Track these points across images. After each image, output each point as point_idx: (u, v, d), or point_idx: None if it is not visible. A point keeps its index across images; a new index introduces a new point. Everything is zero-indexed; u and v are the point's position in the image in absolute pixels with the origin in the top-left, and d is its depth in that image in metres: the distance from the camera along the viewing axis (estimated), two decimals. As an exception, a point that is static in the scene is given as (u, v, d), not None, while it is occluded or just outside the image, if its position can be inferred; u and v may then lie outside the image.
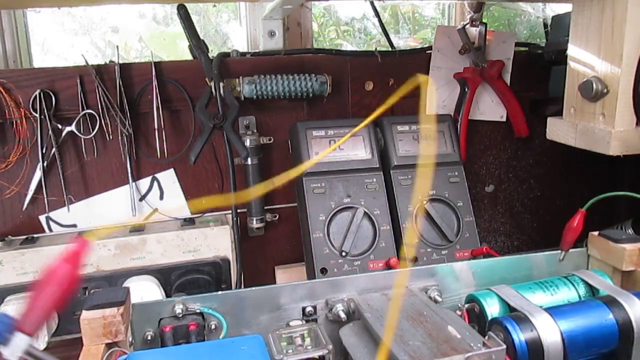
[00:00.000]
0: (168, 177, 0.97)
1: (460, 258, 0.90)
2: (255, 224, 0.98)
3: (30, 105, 0.86)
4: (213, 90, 0.87)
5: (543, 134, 0.83)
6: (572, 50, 0.76)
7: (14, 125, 0.87)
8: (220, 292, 0.63)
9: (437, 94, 1.07)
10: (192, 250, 0.89)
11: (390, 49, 1.10)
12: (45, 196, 0.88)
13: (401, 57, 1.05)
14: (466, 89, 1.05)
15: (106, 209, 0.94)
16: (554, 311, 0.57)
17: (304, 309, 0.65)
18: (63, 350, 0.89)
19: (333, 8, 1.35)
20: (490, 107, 1.10)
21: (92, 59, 0.88)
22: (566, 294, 0.65)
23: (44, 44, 1.14)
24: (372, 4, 1.11)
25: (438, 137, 0.95)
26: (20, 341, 0.45)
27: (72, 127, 0.88)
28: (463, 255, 0.91)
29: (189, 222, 0.94)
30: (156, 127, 0.91)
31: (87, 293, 0.84)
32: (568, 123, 0.77)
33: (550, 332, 0.55)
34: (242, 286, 0.92)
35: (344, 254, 0.86)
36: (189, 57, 0.97)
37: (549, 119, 0.81)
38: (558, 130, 0.79)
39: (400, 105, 1.06)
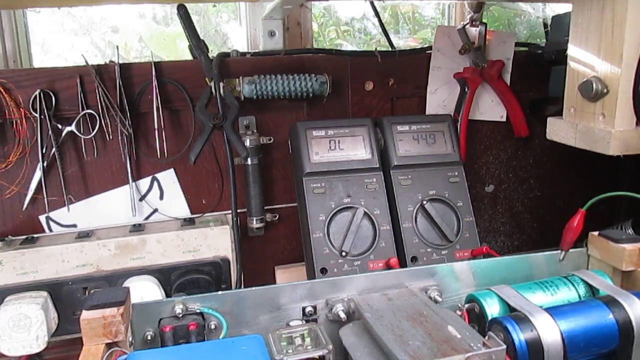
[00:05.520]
0: (168, 177, 0.97)
1: (460, 258, 0.90)
2: (255, 224, 0.98)
3: (30, 105, 0.86)
4: (213, 90, 0.87)
5: (543, 134, 0.83)
6: (572, 50, 0.76)
7: (14, 125, 0.87)
8: (220, 292, 0.63)
9: (437, 94, 1.07)
10: (192, 250, 0.89)
11: (390, 49, 1.10)
12: (45, 196, 0.88)
13: (401, 57, 1.05)
14: (466, 89, 1.05)
15: (106, 209, 0.94)
16: (554, 311, 0.57)
17: (304, 309, 0.65)
18: (63, 350, 0.90)
19: (333, 8, 1.35)
20: (490, 107, 1.10)
21: (92, 59, 0.88)
22: (566, 294, 0.65)
23: (44, 44, 1.14)
24: (372, 4, 1.11)
25: (438, 137, 0.95)
26: None
27: (72, 127, 0.88)
28: (463, 255, 0.91)
29: (189, 222, 0.94)
30: (156, 127, 0.91)
31: (87, 293, 0.84)
32: (568, 123, 0.77)
33: (550, 332, 0.55)
34: (242, 286, 0.92)
35: (344, 254, 0.86)
36: (189, 57, 0.97)
37: (549, 119, 0.81)
38: (558, 130, 0.79)
39: (400, 105, 1.07)
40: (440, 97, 1.08)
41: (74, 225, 0.94)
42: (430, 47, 1.07)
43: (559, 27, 1.02)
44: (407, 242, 0.89)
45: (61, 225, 0.93)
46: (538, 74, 1.08)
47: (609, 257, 0.69)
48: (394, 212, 0.91)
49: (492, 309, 0.62)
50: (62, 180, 0.89)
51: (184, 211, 0.98)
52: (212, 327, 0.63)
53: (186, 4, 0.89)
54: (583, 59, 0.74)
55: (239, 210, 0.93)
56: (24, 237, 0.89)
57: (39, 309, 0.78)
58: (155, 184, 0.96)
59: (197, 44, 0.90)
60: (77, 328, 0.54)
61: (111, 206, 0.94)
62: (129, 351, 0.56)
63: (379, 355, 0.55)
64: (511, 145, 1.15)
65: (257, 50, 1.06)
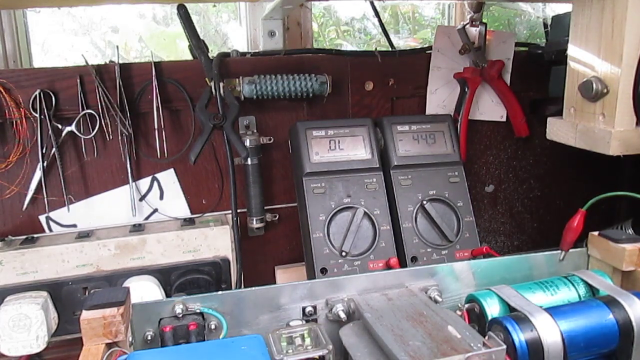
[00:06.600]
0: (168, 177, 0.97)
1: (460, 258, 0.90)
2: (255, 224, 0.98)
3: (30, 105, 0.86)
4: (213, 90, 0.87)
5: (543, 134, 0.83)
6: (572, 50, 0.76)
7: (14, 125, 0.87)
8: (220, 292, 0.63)
9: (437, 94, 1.07)
10: (192, 250, 0.89)
11: (390, 49, 1.10)
12: (45, 196, 0.88)
13: (401, 57, 1.05)
14: (466, 89, 1.05)
15: (106, 209, 0.94)
16: (554, 311, 0.57)
17: (304, 309, 0.65)
18: (63, 350, 0.90)
19: (333, 8, 1.35)
20: (490, 107, 1.10)
21: (92, 59, 0.88)
22: (566, 294, 0.65)
23: (44, 44, 1.14)
24: (372, 4, 1.11)
25: (438, 137, 0.95)
26: None
27: (72, 127, 0.88)
28: (463, 255, 0.91)
29: (189, 222, 0.94)
30: (156, 127, 0.91)
31: (87, 293, 0.84)
32: (568, 123, 0.77)
33: (550, 332, 0.55)
34: (242, 286, 0.92)
35: (344, 254, 0.86)
36: (189, 57, 0.97)
37: (549, 119, 0.81)
38: (558, 130, 0.79)
39: (400, 105, 1.07)
40: (440, 97, 1.08)
41: (74, 225, 0.94)
42: (430, 47, 1.07)
43: (559, 27, 1.02)
44: (407, 242, 0.89)
45: (61, 225, 0.93)
46: (538, 74, 1.08)
47: (609, 257, 0.69)
48: (394, 212, 0.91)
49: (492, 309, 0.62)
50: (62, 180, 0.89)
51: (184, 211, 0.98)
52: (212, 327, 0.63)
53: (186, 4, 0.89)
54: (583, 59, 0.74)
55: (239, 210, 0.93)
56: (24, 237, 0.89)
57: (39, 309, 0.78)
58: (155, 184, 0.96)
59: (197, 44, 0.90)
60: (77, 328, 0.54)
61: (111, 206, 0.94)
62: (129, 351, 0.56)
63: (379, 355, 0.55)
64: (511, 145, 1.15)
65: (257, 50, 1.06)
